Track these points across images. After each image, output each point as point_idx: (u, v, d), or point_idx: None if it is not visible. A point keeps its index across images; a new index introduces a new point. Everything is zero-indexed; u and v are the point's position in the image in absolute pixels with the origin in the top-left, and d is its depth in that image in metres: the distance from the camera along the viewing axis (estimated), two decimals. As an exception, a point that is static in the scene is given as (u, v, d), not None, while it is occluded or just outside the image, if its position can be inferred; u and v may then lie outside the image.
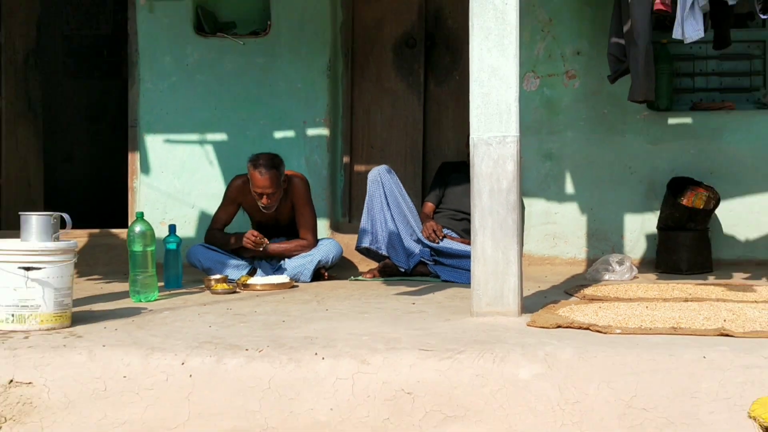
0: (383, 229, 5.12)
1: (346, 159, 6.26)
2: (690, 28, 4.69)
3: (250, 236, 5.12)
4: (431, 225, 5.21)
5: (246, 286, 4.77)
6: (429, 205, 5.47)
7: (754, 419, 2.21)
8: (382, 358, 2.93)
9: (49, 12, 7.56)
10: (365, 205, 5.16)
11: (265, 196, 5.09)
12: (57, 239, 3.52)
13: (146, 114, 6.19)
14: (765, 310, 3.64)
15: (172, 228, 4.94)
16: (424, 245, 5.17)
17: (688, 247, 5.41)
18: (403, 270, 5.20)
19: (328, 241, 5.39)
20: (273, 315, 3.79)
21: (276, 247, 5.29)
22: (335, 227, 6.07)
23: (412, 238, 5.18)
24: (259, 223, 5.40)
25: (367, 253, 5.27)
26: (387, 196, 5.12)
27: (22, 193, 6.57)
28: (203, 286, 4.76)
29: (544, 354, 2.91)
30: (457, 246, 5.13)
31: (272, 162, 5.10)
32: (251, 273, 5.13)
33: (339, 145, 6.21)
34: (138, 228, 4.35)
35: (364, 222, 5.14)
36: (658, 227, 5.62)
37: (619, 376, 2.82)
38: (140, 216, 4.48)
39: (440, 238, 5.19)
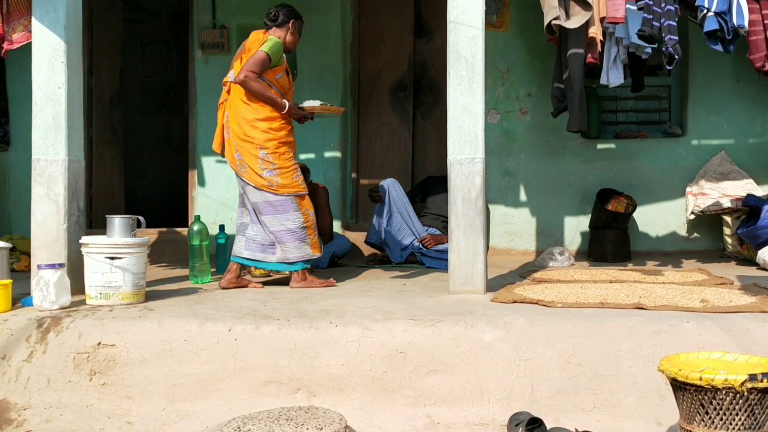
0: (384, 229, 5.10)
1: (354, 175, 6.24)
2: (613, 76, 4.70)
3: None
4: (428, 238, 5.03)
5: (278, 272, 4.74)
6: None
7: (662, 372, 2.20)
8: (381, 325, 2.93)
9: (129, 64, 7.55)
10: (374, 210, 5.15)
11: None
12: (134, 236, 3.52)
13: (202, 140, 6.15)
14: (671, 289, 3.64)
15: (222, 227, 4.92)
16: (416, 242, 5.10)
17: (612, 241, 5.40)
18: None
19: (341, 237, 5.37)
20: (298, 293, 3.78)
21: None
22: (346, 226, 6.05)
23: (409, 235, 5.11)
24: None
25: (372, 245, 5.26)
26: (391, 204, 5.09)
27: (107, 201, 6.56)
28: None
29: (503, 322, 2.91)
30: (439, 248, 4.94)
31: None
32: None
33: (348, 165, 6.19)
34: (196, 227, 4.35)
35: (373, 222, 5.14)
36: (590, 226, 5.61)
37: (560, 339, 2.82)
38: (197, 218, 4.47)
39: (432, 247, 5.02)
